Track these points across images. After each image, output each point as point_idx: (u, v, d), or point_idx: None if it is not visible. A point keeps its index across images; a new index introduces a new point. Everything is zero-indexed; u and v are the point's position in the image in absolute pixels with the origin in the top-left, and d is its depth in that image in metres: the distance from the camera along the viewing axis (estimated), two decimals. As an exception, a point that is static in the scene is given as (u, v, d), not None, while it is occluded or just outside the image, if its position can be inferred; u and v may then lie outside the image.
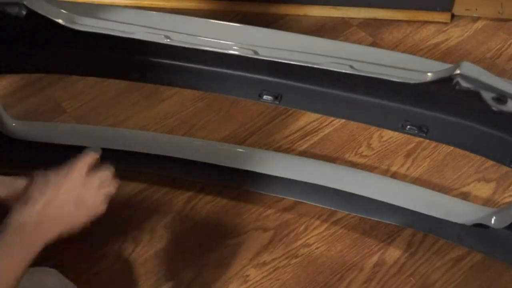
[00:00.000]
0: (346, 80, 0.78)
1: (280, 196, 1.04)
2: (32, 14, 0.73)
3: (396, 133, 1.11)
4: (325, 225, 1.02)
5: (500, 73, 1.26)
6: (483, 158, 1.06)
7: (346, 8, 1.37)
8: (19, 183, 0.75)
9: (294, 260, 0.98)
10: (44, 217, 0.68)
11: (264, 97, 0.86)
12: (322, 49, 0.74)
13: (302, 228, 1.02)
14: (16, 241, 0.65)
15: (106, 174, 0.75)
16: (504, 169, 1.08)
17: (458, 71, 0.64)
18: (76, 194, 0.71)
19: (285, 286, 0.96)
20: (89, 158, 0.74)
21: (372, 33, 1.34)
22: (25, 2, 0.72)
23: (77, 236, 1.00)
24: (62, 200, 0.69)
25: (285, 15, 1.38)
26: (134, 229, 1.02)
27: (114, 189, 0.76)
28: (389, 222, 1.00)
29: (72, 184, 0.71)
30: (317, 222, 1.03)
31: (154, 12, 0.81)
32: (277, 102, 0.86)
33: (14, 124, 1.02)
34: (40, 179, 0.70)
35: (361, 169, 1.09)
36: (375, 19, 1.37)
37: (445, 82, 0.66)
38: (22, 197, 0.69)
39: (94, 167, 0.74)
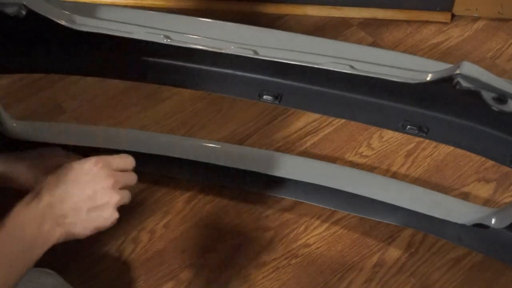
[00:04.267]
0: (346, 80, 0.78)
1: (280, 196, 1.04)
2: (32, 14, 0.73)
3: (396, 133, 1.11)
4: (325, 225, 1.02)
5: (500, 73, 1.26)
6: (483, 158, 1.06)
7: (346, 8, 1.37)
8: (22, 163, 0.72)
9: (294, 260, 0.98)
10: (50, 216, 0.62)
11: (264, 97, 0.86)
12: (322, 49, 0.74)
13: (302, 228, 1.02)
14: (15, 241, 0.59)
15: (132, 178, 0.69)
16: (504, 169, 1.08)
17: (458, 71, 0.64)
18: (93, 192, 0.64)
19: (285, 286, 0.96)
20: (120, 160, 0.67)
21: (372, 33, 1.34)
22: (25, 2, 0.72)
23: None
24: (75, 200, 0.63)
25: (285, 15, 1.38)
26: (134, 229, 1.02)
27: (128, 198, 0.69)
28: (389, 222, 1.00)
29: (90, 183, 0.64)
30: (317, 222, 1.03)
31: (154, 12, 0.81)
32: (277, 102, 0.86)
33: (14, 124, 1.02)
34: (58, 173, 0.64)
35: (361, 169, 1.09)
36: (375, 19, 1.37)
37: (445, 82, 0.66)
38: (33, 191, 0.63)
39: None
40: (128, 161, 0.69)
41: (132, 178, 0.69)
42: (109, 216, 0.66)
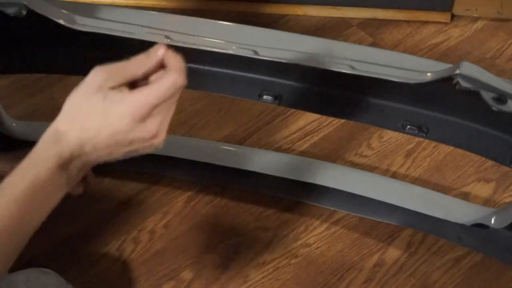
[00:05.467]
0: (346, 80, 0.78)
1: (280, 196, 1.04)
2: (32, 14, 0.73)
3: (396, 133, 1.11)
4: (325, 225, 1.02)
5: (500, 73, 1.26)
6: (483, 158, 1.06)
7: (346, 8, 1.37)
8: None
9: (294, 260, 0.98)
10: (77, 163, 0.54)
11: (264, 97, 0.86)
12: (322, 49, 0.74)
13: (302, 228, 1.02)
14: (43, 174, 0.52)
15: (174, 101, 0.56)
16: (504, 169, 1.08)
17: (458, 71, 0.64)
18: (131, 141, 0.54)
19: (285, 286, 0.96)
20: (173, 87, 0.54)
21: (372, 33, 1.34)
22: (25, 2, 0.72)
23: (76, 236, 1.00)
24: (110, 151, 0.54)
25: (285, 15, 1.38)
26: (134, 229, 1.02)
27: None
28: (389, 222, 1.00)
29: (133, 124, 0.53)
30: (317, 222, 1.03)
31: (154, 12, 0.81)
32: (277, 102, 0.86)
33: (14, 124, 1.02)
34: (88, 106, 0.53)
35: (361, 169, 1.09)
36: (375, 19, 1.37)
37: (445, 82, 0.66)
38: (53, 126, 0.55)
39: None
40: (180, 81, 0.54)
41: (173, 102, 0.56)
42: (150, 151, 0.57)
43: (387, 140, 1.14)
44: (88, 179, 0.92)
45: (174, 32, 0.75)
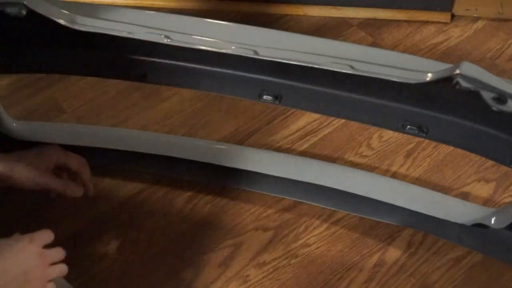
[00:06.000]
0: (346, 80, 0.78)
1: (280, 196, 1.05)
2: (32, 14, 0.73)
3: (396, 133, 1.11)
4: (325, 225, 1.02)
5: (500, 73, 1.26)
6: (483, 158, 1.06)
7: (346, 8, 1.37)
8: None
9: (294, 260, 0.98)
10: None
11: (264, 97, 0.86)
12: (322, 49, 0.74)
13: (302, 228, 1.02)
14: None
15: (60, 254, 0.74)
16: (504, 169, 1.08)
17: (458, 71, 0.64)
18: (27, 269, 0.68)
19: (285, 286, 0.96)
20: (46, 236, 0.73)
21: (372, 33, 1.34)
22: (25, 2, 0.72)
23: (76, 236, 1.00)
24: (10, 274, 0.66)
25: (285, 15, 1.39)
26: (134, 229, 1.02)
27: (64, 271, 0.75)
28: (389, 222, 1.00)
29: (26, 259, 0.68)
30: (317, 222, 1.03)
31: (154, 12, 0.81)
32: (277, 102, 0.86)
33: (14, 124, 1.02)
34: None
35: (361, 169, 1.09)
36: (375, 19, 1.37)
37: (445, 82, 0.66)
38: None
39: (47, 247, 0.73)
40: (51, 237, 0.74)
41: (60, 253, 0.75)
42: None
43: (387, 140, 1.14)
44: (87, 183, 0.92)
45: (174, 32, 0.75)
